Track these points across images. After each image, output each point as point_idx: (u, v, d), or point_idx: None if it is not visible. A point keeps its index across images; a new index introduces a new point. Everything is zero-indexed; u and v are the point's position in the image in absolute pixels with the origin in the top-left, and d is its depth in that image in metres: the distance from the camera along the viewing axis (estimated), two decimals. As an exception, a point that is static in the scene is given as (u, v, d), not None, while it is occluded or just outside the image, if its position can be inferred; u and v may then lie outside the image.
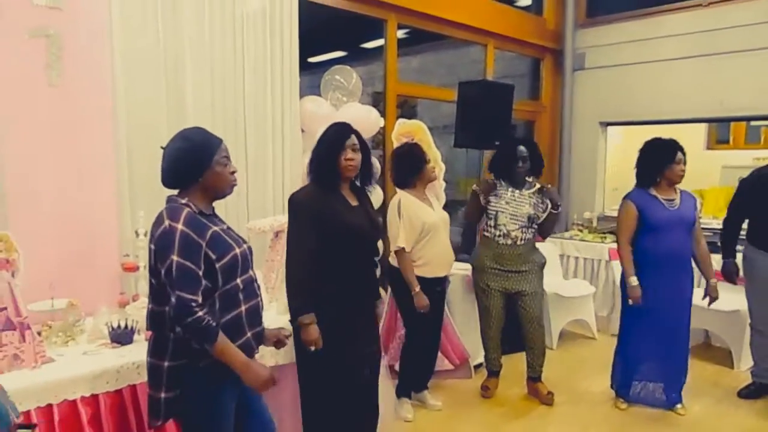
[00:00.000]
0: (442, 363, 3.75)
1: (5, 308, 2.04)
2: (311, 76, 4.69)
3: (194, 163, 1.78)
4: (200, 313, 1.68)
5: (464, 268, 3.91)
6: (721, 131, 7.45)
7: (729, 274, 3.65)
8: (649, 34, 5.55)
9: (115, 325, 2.31)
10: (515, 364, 3.86)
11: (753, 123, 6.57)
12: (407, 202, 3.15)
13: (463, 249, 5.83)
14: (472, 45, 5.65)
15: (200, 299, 1.69)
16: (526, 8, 6.28)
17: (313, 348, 2.28)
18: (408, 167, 3.23)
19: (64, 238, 2.64)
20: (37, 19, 2.55)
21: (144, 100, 2.93)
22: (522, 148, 3.43)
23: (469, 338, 3.87)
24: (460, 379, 3.84)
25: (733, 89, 5.10)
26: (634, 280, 3.18)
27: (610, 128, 6.16)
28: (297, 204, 2.34)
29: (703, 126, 7.04)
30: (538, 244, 3.58)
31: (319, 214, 2.28)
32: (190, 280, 1.69)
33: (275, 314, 2.82)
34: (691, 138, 6.45)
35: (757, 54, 4.93)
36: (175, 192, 1.83)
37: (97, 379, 2.06)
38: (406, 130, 3.75)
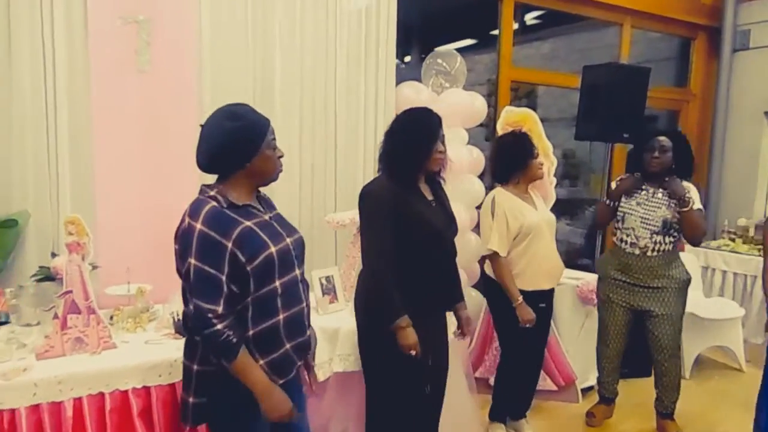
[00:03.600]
0: (545, 382, 3.31)
1: (71, 291, 2.05)
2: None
3: (245, 147, 1.57)
4: (219, 326, 1.49)
5: (575, 277, 3.43)
6: None
7: None
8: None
9: (179, 316, 2.25)
10: (635, 391, 3.33)
11: None
12: (503, 200, 2.73)
13: (585, 254, 5.26)
14: (607, 27, 5.01)
15: (221, 309, 1.50)
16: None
17: (413, 353, 2.06)
18: (511, 161, 2.80)
19: (146, 223, 2.66)
20: (129, 4, 2.57)
21: (231, 88, 2.85)
22: (662, 138, 2.87)
23: (578, 358, 3.39)
24: (564, 402, 3.38)
25: None
26: None
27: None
28: (373, 197, 2.12)
29: None
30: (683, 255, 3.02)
31: (396, 210, 2.07)
32: (208, 288, 1.50)
33: (349, 315, 2.63)
34: None
35: None
36: (212, 178, 1.65)
37: (150, 371, 1.99)
38: (513, 119, 3.34)
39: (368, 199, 2.13)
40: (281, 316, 1.61)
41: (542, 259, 2.75)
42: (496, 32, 5.76)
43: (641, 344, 3.11)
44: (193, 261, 1.51)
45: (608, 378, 3.14)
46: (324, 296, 2.66)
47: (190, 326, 1.58)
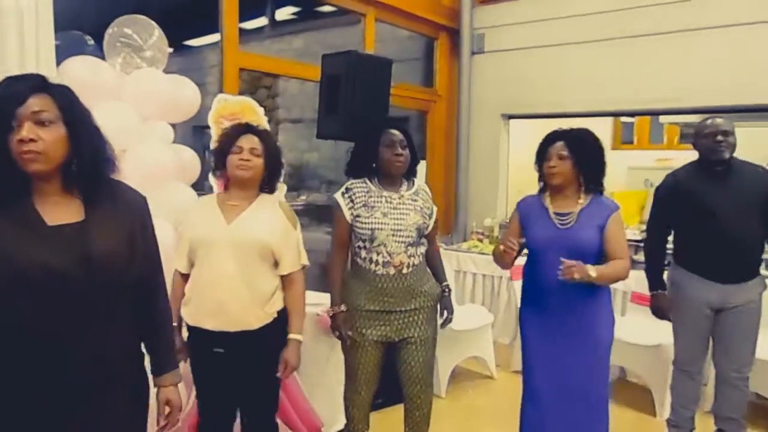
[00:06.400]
0: (287, 436, 2.69)
1: None
2: (189, 58, 3.88)
3: None
4: None
5: (316, 303, 2.87)
6: (626, 131, 6.99)
7: (660, 311, 2.86)
8: (559, 13, 4.76)
9: None
10: (385, 424, 2.91)
11: (662, 120, 6.07)
12: (194, 207, 2.17)
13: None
14: (359, 23, 4.65)
15: None
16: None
17: None
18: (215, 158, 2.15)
19: None
20: None
21: None
22: (396, 132, 2.42)
23: (324, 398, 2.85)
24: (311, 456, 2.80)
25: (653, 78, 4.40)
26: None
27: (513, 122, 5.36)
28: None
29: (609, 125, 6.52)
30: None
31: None
32: None
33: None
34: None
35: (684, 36, 4.24)
36: None
37: None
38: (229, 111, 2.66)
39: None
40: None
41: (206, 288, 2.01)
42: (245, 26, 5.14)
43: (388, 373, 2.66)
44: None
45: (359, 426, 2.61)
46: None
47: None
